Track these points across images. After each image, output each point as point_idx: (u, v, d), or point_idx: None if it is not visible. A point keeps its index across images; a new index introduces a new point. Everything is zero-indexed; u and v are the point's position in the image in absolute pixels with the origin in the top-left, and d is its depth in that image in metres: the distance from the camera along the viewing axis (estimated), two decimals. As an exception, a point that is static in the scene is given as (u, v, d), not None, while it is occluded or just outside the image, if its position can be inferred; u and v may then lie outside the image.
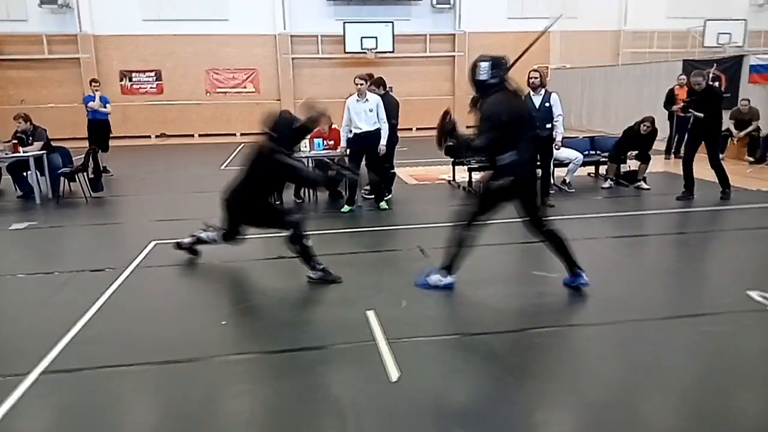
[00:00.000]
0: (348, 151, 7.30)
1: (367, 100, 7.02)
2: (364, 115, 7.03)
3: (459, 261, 4.32)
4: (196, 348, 3.55)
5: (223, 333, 3.83)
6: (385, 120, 7.12)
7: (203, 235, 5.23)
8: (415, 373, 3.15)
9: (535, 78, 6.95)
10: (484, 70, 4.03)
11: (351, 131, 7.18)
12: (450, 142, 4.30)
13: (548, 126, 7.01)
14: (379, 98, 7.15)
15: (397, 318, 3.90)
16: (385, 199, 7.59)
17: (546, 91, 7.03)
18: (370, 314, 3.90)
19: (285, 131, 4.71)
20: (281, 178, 4.95)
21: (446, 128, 4.08)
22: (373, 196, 7.64)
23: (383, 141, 7.15)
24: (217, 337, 3.76)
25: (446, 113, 4.14)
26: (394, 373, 3.13)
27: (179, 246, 5.33)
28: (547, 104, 6.98)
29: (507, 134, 3.95)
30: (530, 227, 4.31)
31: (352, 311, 4.00)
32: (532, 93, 7.01)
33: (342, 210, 7.28)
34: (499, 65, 4.05)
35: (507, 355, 3.40)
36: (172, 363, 3.37)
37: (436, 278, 4.38)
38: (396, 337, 3.57)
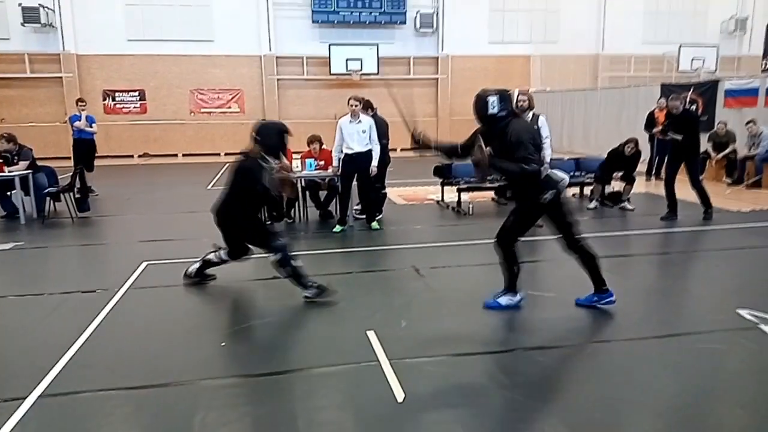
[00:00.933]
0: (340, 171, 7.34)
1: (360, 121, 7.10)
2: (357, 136, 7.10)
3: (518, 277, 4.39)
4: (196, 370, 3.51)
5: (222, 355, 3.80)
6: (377, 142, 7.21)
7: (211, 256, 5.13)
8: (421, 394, 3.16)
9: (524, 101, 7.10)
10: (493, 105, 4.12)
11: (342, 151, 7.24)
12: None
13: None
14: (371, 120, 7.25)
15: (398, 338, 3.91)
16: (377, 219, 7.63)
17: (534, 113, 7.18)
18: (371, 334, 3.91)
19: (270, 136, 4.74)
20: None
21: (486, 161, 4.05)
22: (364, 216, 7.67)
23: (374, 162, 7.22)
24: (216, 358, 3.73)
25: (480, 146, 4.11)
26: (399, 394, 3.13)
27: (188, 277, 5.19)
28: (535, 126, 7.11)
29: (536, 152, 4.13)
30: (563, 242, 4.38)
31: (353, 332, 4.01)
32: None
33: (334, 230, 7.30)
34: (506, 98, 4.19)
35: (512, 374, 3.42)
36: (172, 386, 3.32)
37: (506, 299, 4.43)
38: (398, 357, 3.58)
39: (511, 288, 4.45)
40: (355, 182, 7.40)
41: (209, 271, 5.24)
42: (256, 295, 5.08)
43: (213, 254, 5.13)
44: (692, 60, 20.41)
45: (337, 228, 7.30)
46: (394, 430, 2.85)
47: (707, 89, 13.10)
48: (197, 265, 5.19)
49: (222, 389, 3.32)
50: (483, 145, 4.11)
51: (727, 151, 11.14)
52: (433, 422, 2.91)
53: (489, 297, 4.47)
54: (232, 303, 4.98)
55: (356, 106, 7.09)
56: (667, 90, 13.32)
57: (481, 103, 4.17)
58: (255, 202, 4.88)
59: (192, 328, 4.25)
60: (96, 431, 2.90)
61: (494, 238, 4.38)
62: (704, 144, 11.51)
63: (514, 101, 7.13)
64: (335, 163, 7.45)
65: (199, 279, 5.21)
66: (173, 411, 3.07)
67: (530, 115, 7.13)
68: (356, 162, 7.17)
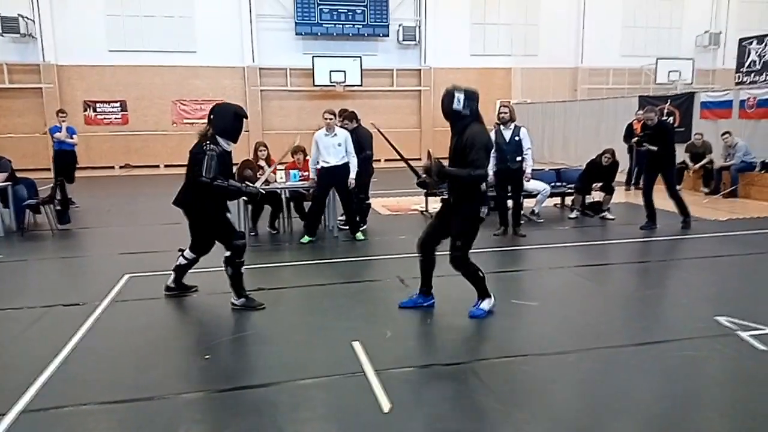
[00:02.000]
0: (316, 183, 7.36)
1: (335, 134, 7.13)
2: (333, 149, 7.11)
3: (485, 280, 4.51)
4: (179, 383, 3.49)
5: (206, 367, 3.77)
6: (354, 154, 7.22)
7: (180, 260, 5.10)
8: (407, 404, 3.17)
9: (505, 113, 7.21)
10: (459, 101, 4.24)
11: (318, 164, 7.25)
12: (426, 178, 4.44)
13: (518, 159, 7.25)
14: (347, 133, 7.26)
15: (384, 348, 3.92)
16: (361, 229, 7.64)
17: (515, 125, 7.29)
18: (357, 345, 3.92)
19: (224, 117, 4.69)
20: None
21: (435, 168, 4.25)
22: (348, 227, 7.68)
23: (352, 174, 7.23)
24: (200, 371, 3.70)
25: (430, 155, 4.32)
26: (385, 404, 3.14)
27: (168, 289, 5.16)
28: (516, 138, 7.23)
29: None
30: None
31: (338, 342, 4.01)
32: (502, 127, 7.27)
33: (301, 240, 7.29)
34: (472, 98, 4.29)
35: (499, 383, 3.44)
36: (157, 399, 3.29)
37: (487, 304, 4.52)
38: (384, 367, 3.58)
39: (484, 293, 4.52)
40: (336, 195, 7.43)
41: (190, 282, 5.22)
42: (240, 308, 5.03)
43: (180, 257, 5.10)
44: (669, 72, 20.89)
45: (305, 239, 7.28)
46: (380, 440, 2.87)
47: (684, 101, 13.40)
48: (173, 276, 5.16)
49: (205, 402, 3.31)
50: (431, 153, 4.30)
51: (704, 161, 11.38)
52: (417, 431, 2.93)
53: (471, 307, 4.51)
54: (215, 315, 4.92)
55: (330, 119, 7.10)
56: (645, 102, 13.61)
57: (449, 96, 4.27)
58: (209, 191, 4.65)
59: (174, 341, 4.22)
60: (78, 446, 2.86)
61: (450, 262, 4.44)
62: (682, 155, 11.77)
63: (496, 113, 7.28)
64: (311, 175, 7.46)
65: (181, 290, 5.18)
66: (156, 425, 3.04)
67: (512, 126, 7.24)
68: (333, 175, 7.17)
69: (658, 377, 3.52)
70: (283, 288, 5.49)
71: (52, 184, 8.43)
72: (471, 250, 4.43)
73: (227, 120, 4.72)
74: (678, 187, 11.13)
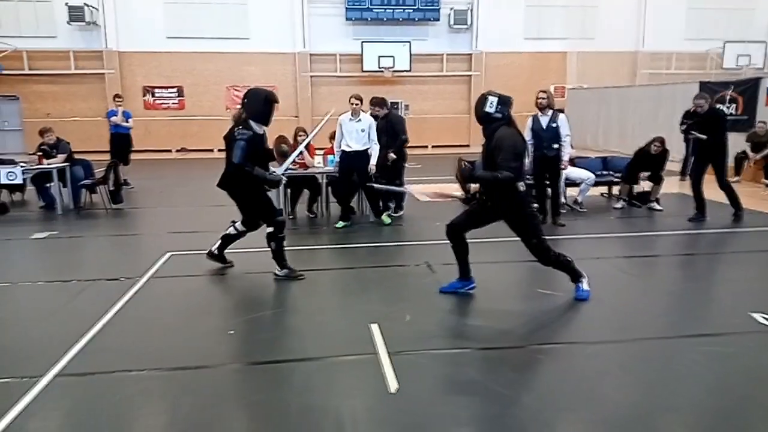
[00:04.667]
0: (338, 167, 7.42)
1: (360, 119, 7.16)
2: (356, 134, 7.16)
3: (574, 266, 4.56)
4: (203, 356, 3.66)
5: (229, 342, 3.94)
6: (376, 141, 7.22)
7: (230, 230, 5.41)
8: (414, 386, 3.21)
9: (543, 98, 7.03)
10: (491, 104, 4.27)
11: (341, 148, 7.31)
12: (470, 187, 4.56)
13: (555, 146, 7.07)
14: (372, 120, 7.27)
15: (401, 331, 3.97)
16: (397, 215, 7.67)
17: (553, 111, 7.10)
18: (374, 327, 3.98)
19: (257, 101, 4.92)
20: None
21: (465, 173, 4.32)
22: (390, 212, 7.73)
23: (373, 160, 7.24)
24: (223, 345, 3.87)
25: (460, 161, 4.40)
26: (393, 385, 3.20)
27: (211, 254, 5.49)
28: (554, 124, 7.04)
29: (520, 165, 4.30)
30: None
31: (356, 324, 4.08)
32: (539, 114, 7.10)
33: (336, 225, 7.38)
34: (506, 103, 4.32)
35: (507, 370, 3.44)
36: (180, 369, 3.48)
37: (586, 283, 4.58)
38: (397, 350, 3.64)
39: (577, 276, 4.56)
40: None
41: (228, 257, 5.48)
42: (270, 285, 5.17)
43: (231, 228, 5.41)
44: (738, 56, 19.72)
45: (340, 224, 7.37)
46: (380, 418, 2.93)
47: (748, 87, 12.63)
48: (218, 243, 5.46)
49: (226, 374, 3.46)
50: (462, 158, 4.41)
51: (766, 152, 10.74)
52: (419, 412, 2.97)
53: (574, 293, 4.57)
54: (246, 293, 5.13)
55: (357, 104, 7.13)
56: (706, 88, 12.90)
57: (481, 99, 4.34)
58: (243, 174, 4.91)
59: (204, 317, 4.40)
60: (104, 411, 3.05)
61: (539, 262, 4.50)
62: (743, 144, 11.16)
63: (535, 99, 7.13)
64: (336, 158, 7.51)
65: (219, 260, 5.48)
66: (182, 394, 3.21)
67: (549, 113, 7.06)
68: (353, 160, 7.21)
69: (687, 371, 3.42)
70: (314, 270, 5.60)
71: (106, 166, 8.88)
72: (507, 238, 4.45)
73: (258, 104, 4.93)
74: (737, 178, 10.66)
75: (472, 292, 4.68)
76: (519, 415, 2.99)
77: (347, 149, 7.22)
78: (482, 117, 4.33)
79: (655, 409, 3.00)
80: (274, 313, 4.57)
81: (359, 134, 7.16)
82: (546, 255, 4.44)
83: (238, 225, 5.37)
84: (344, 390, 3.23)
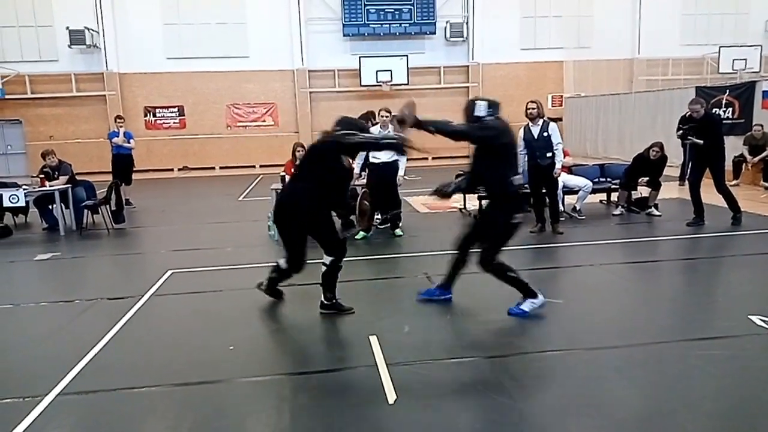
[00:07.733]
0: (365, 181, 7.48)
1: (389, 131, 7.25)
2: None
3: (522, 280, 4.44)
4: (204, 372, 3.69)
5: (230, 357, 3.97)
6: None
7: (281, 261, 4.86)
8: (412, 397, 3.24)
9: (533, 109, 7.10)
10: (481, 108, 4.31)
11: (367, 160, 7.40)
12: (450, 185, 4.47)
13: (548, 155, 7.12)
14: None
15: (399, 343, 3.99)
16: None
17: (543, 120, 7.16)
18: (373, 339, 4.01)
19: (347, 125, 4.64)
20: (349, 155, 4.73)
21: (409, 121, 4.23)
22: (384, 226, 7.79)
23: (401, 172, 7.36)
24: (224, 361, 3.89)
25: (409, 104, 4.30)
26: (391, 396, 3.22)
27: (261, 286, 5.05)
28: (545, 133, 7.10)
29: (504, 159, 4.26)
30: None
31: (356, 336, 4.12)
32: (530, 124, 7.17)
33: (356, 237, 7.38)
34: (495, 106, 4.36)
35: (506, 379, 3.46)
36: (182, 386, 3.51)
37: (528, 305, 4.43)
38: (396, 361, 3.66)
39: (526, 293, 4.44)
40: None
41: (233, 274, 5.50)
42: (270, 300, 5.18)
43: (282, 260, 4.85)
44: (734, 61, 19.79)
45: (359, 234, 7.43)
46: (376, 428, 2.95)
47: (744, 91, 12.70)
48: (266, 283, 5.03)
49: (227, 389, 3.48)
50: (412, 103, 4.34)
51: (763, 154, 10.78)
52: (416, 423, 2.99)
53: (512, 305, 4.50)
54: (246, 308, 5.11)
55: (386, 117, 7.25)
56: (702, 93, 12.98)
57: (470, 105, 4.37)
58: (326, 193, 4.52)
59: (205, 333, 4.44)
60: (108, 428, 3.08)
61: (478, 265, 4.43)
62: (740, 147, 11.21)
63: (524, 110, 7.20)
64: (356, 170, 7.57)
65: (271, 293, 5.07)
66: (184, 409, 3.24)
67: (540, 122, 7.13)
68: (382, 171, 7.33)
69: (686, 375, 3.44)
70: (313, 284, 5.62)
71: (108, 186, 8.97)
72: (504, 248, 4.42)
73: (351, 125, 4.70)
74: (736, 182, 10.69)
75: (472, 302, 4.71)
76: (519, 423, 3.00)
77: (376, 161, 7.34)
78: (474, 121, 4.33)
79: (656, 413, 3.02)
80: (274, 328, 4.60)
81: None
82: (488, 263, 4.34)
83: (282, 263, 4.78)
84: (344, 401, 3.25)
